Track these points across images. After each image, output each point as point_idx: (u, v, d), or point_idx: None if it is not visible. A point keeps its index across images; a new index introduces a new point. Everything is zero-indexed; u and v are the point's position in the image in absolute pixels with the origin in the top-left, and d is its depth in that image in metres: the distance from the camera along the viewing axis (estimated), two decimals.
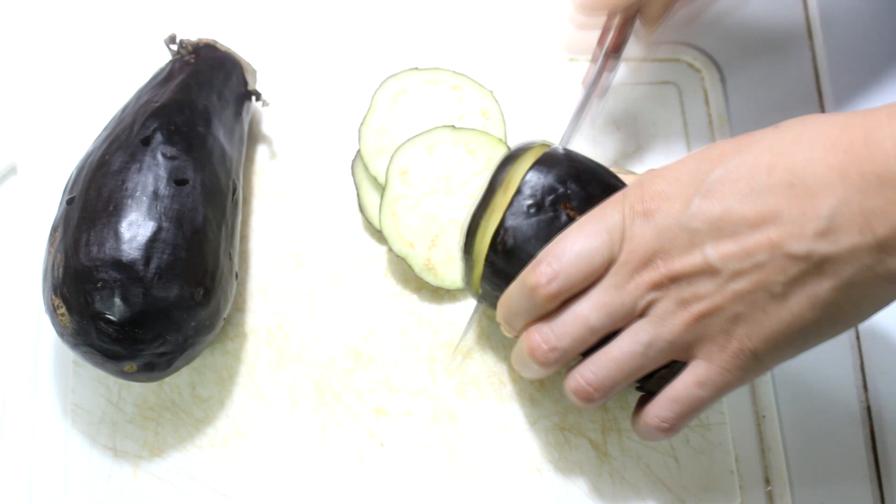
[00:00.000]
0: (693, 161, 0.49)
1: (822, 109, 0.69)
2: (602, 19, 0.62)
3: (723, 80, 0.68)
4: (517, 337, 0.54)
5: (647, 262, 0.49)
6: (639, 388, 0.54)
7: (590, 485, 0.59)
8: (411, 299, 0.62)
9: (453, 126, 0.62)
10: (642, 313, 0.50)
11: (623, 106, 0.67)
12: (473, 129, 0.62)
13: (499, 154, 0.61)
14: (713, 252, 0.47)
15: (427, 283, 0.62)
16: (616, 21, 0.62)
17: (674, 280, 0.49)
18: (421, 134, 0.62)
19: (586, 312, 0.50)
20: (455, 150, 0.62)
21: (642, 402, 0.53)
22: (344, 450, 0.59)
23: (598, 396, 0.51)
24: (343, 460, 0.59)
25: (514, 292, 0.53)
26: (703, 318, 0.48)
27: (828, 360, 0.63)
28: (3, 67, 0.68)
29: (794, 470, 0.60)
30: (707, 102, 0.68)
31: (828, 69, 0.69)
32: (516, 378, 0.61)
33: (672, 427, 0.51)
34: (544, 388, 0.60)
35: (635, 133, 0.67)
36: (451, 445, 0.59)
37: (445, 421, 0.60)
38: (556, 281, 0.50)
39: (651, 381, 0.52)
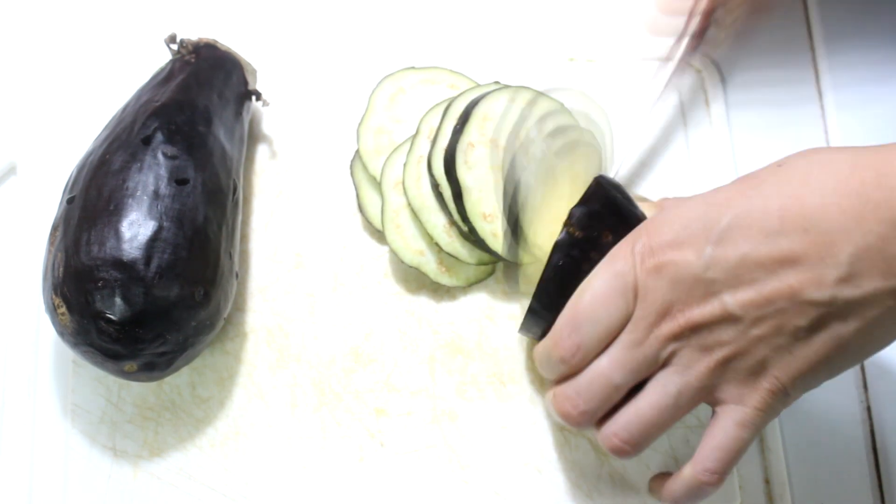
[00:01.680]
0: (700, 206, 0.49)
1: (822, 110, 0.69)
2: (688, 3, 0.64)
3: (723, 80, 0.68)
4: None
5: (663, 314, 0.49)
6: None
7: (590, 485, 0.59)
8: (411, 299, 0.62)
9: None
10: (665, 363, 0.50)
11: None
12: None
13: None
14: (731, 300, 0.47)
15: (427, 282, 0.62)
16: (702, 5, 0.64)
17: (693, 330, 0.49)
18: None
19: (609, 372, 0.51)
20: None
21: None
22: (344, 450, 0.59)
23: (635, 452, 0.51)
24: (343, 460, 0.59)
25: (542, 357, 0.54)
26: (727, 362, 0.49)
27: None
28: (3, 67, 0.68)
29: (793, 470, 0.60)
30: (707, 103, 0.68)
31: (828, 69, 0.69)
32: (516, 378, 0.61)
33: (721, 477, 0.50)
34: (544, 388, 0.60)
35: (634, 134, 0.67)
36: (451, 445, 0.59)
37: (445, 421, 0.60)
38: (579, 353, 0.51)
39: None
